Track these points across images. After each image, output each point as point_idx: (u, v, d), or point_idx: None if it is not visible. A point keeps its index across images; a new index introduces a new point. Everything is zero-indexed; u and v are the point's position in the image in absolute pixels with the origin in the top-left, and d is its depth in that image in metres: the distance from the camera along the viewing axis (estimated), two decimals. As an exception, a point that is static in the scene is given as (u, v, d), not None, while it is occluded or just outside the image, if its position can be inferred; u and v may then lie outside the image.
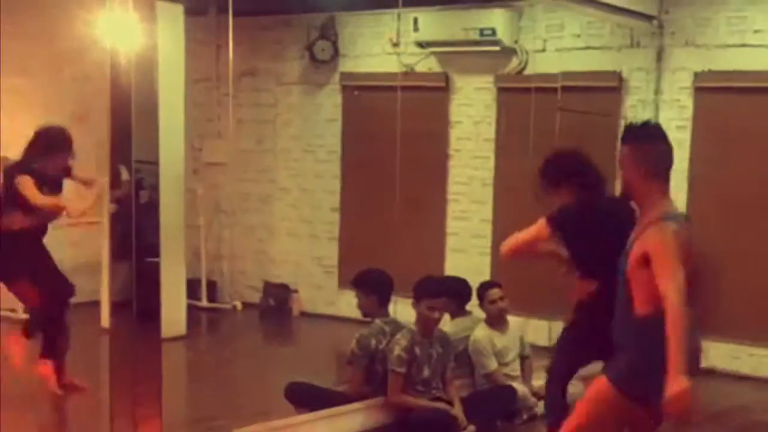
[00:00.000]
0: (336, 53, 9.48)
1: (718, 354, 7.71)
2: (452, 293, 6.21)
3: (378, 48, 9.29)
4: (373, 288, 5.87)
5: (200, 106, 9.94)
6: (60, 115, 9.27)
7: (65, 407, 6.17)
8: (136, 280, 4.58)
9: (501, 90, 8.66)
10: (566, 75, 8.14)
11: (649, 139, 3.78)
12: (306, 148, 9.83)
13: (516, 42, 8.51)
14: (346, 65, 9.52)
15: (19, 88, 9.02)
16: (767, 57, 7.50)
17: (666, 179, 3.75)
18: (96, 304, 8.36)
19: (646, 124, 3.92)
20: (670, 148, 3.82)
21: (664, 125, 7.82)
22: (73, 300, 9.30)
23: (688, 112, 7.84)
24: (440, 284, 6.05)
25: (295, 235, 9.96)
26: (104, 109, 7.99)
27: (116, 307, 4.82)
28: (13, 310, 8.70)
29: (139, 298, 4.56)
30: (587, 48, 8.25)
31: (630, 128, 3.89)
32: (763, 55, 7.52)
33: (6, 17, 8.78)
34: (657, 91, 7.92)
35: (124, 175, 4.79)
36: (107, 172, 6.79)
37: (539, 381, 5.99)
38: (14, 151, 8.98)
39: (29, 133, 9.04)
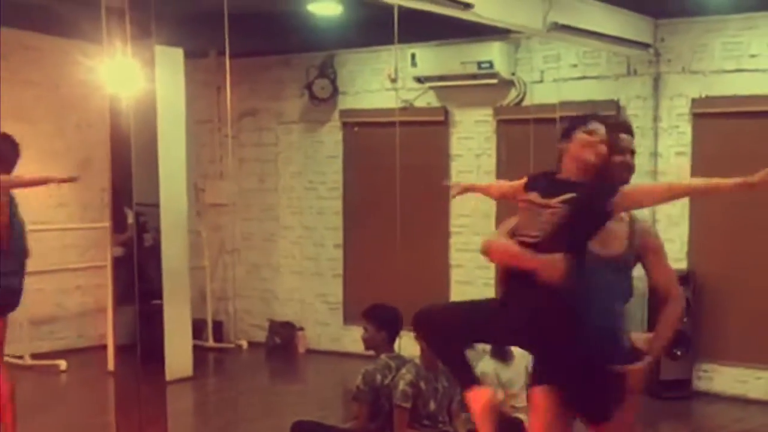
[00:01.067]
0: (335, 91, 9.54)
1: (724, 378, 7.68)
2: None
3: (377, 84, 9.36)
4: (385, 323, 5.83)
5: (203, 147, 10.02)
6: (65, 162, 9.39)
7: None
8: (140, 323, 4.57)
9: (500, 122, 8.71)
10: (564, 105, 8.16)
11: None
12: (308, 185, 9.88)
13: (513, 74, 8.57)
14: (346, 102, 9.59)
15: (22, 135, 9.05)
16: (764, 81, 7.54)
17: None
18: (103, 348, 8.46)
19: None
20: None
21: (664, 152, 7.99)
22: (81, 344, 9.42)
23: (687, 138, 7.87)
24: None
25: (300, 272, 9.98)
26: (107, 154, 8.10)
27: (121, 350, 4.80)
28: (19, 357, 8.73)
29: (144, 341, 4.54)
30: (584, 77, 8.32)
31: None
32: (759, 79, 7.56)
33: (9, 65, 8.89)
34: (655, 119, 7.97)
35: (130, 218, 4.80)
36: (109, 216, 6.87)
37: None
38: (21, 198, 9.08)
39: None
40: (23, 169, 8.96)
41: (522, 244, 3.58)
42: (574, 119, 3.82)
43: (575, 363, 3.60)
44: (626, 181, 3.76)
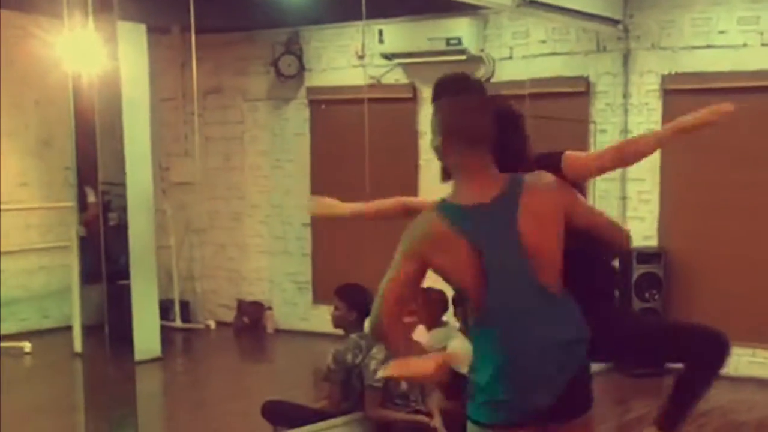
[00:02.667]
0: (302, 68, 9.47)
1: (739, 360, 7.71)
2: (427, 303, 6.18)
3: (344, 61, 9.29)
4: (356, 303, 5.78)
5: (167, 125, 9.89)
6: (25, 140, 9.25)
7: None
8: (107, 303, 4.51)
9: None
10: (534, 82, 8.16)
11: None
12: (275, 163, 9.81)
13: (482, 50, 8.53)
14: (313, 79, 9.51)
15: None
16: (733, 58, 7.57)
17: None
18: (68, 329, 8.36)
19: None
20: None
21: (634, 129, 7.99)
22: (45, 325, 9.32)
23: (657, 115, 7.88)
24: None
25: (268, 252, 9.93)
26: (68, 132, 7.99)
27: (88, 331, 4.74)
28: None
29: (111, 322, 4.49)
30: (554, 54, 8.30)
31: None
32: (728, 55, 7.59)
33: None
34: (625, 95, 7.98)
35: (91, 197, 4.73)
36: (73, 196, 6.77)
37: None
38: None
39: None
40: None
41: None
42: None
43: None
44: None
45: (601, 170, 3.54)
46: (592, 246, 3.26)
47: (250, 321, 9.74)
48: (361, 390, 5.59)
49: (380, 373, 3.36)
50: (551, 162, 3.34)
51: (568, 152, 3.37)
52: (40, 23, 7.02)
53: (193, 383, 8.03)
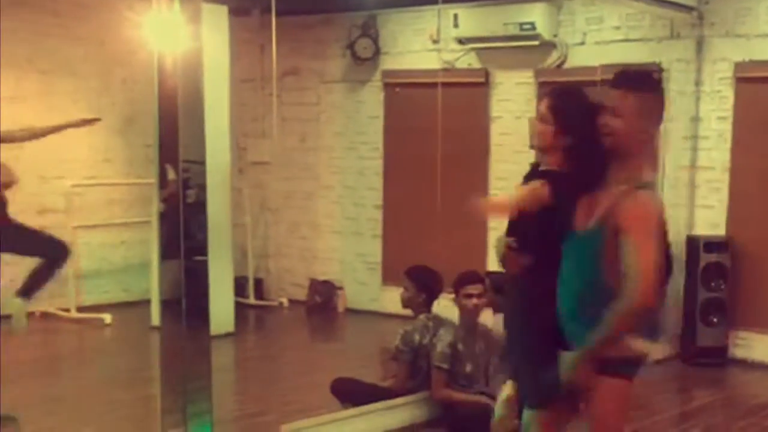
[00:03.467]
0: (377, 51, 9.57)
1: (762, 346, 7.69)
2: (494, 287, 6.25)
3: (418, 45, 9.36)
4: (426, 285, 5.89)
5: (245, 105, 10.07)
6: (111, 118, 9.52)
7: (120, 401, 6.33)
8: (185, 279, 4.65)
9: (541, 84, 8.68)
10: (606, 68, 8.12)
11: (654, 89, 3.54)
12: (349, 145, 9.93)
13: (555, 36, 8.53)
14: (388, 62, 9.61)
15: (69, 90, 9.24)
16: (808, 46, 7.49)
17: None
18: (147, 302, 8.60)
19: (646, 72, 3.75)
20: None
21: (705, 117, 7.93)
22: (125, 299, 9.57)
23: (729, 103, 7.81)
24: (477, 274, 5.96)
25: (339, 232, 10.07)
26: (151, 111, 8.20)
27: (166, 305, 4.89)
28: (66, 310, 8.93)
29: (189, 297, 4.62)
30: (627, 40, 8.26)
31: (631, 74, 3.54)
32: (804, 44, 7.49)
33: (56, 20, 9.02)
34: (697, 82, 7.91)
35: (171, 174, 4.85)
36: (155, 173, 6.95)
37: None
38: (69, 153, 9.25)
39: (83, 134, 9.31)
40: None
41: None
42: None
43: None
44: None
45: None
46: None
47: (322, 300, 9.87)
48: (427, 370, 5.69)
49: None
50: None
51: None
52: (130, 5, 7.23)
53: (265, 359, 8.12)
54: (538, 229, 3.58)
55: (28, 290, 6.11)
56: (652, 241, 3.24)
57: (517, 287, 3.81)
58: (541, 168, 3.76)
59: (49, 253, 6.18)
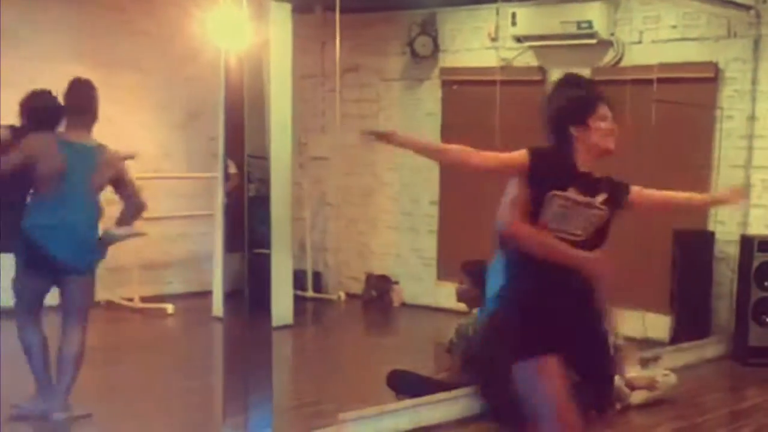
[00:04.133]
0: (436, 48, 9.66)
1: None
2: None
3: (477, 43, 9.44)
4: (481, 280, 5.92)
5: (306, 101, 10.19)
6: (174, 113, 9.73)
7: (183, 389, 6.48)
8: (247, 271, 4.73)
9: (597, 83, 8.69)
10: (662, 66, 8.17)
11: None
12: (406, 142, 10.00)
13: (612, 34, 8.56)
14: (446, 60, 9.69)
15: (134, 85, 9.45)
16: None
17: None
18: (208, 293, 8.77)
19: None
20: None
21: (761, 116, 7.92)
22: (186, 289, 9.77)
23: (786, 102, 7.80)
24: None
25: (396, 227, 10.19)
26: (214, 106, 8.38)
27: (228, 297, 5.00)
28: (130, 300, 9.17)
29: (251, 288, 4.69)
30: (683, 39, 8.26)
31: None
32: None
33: (122, 16, 9.23)
34: (754, 82, 7.89)
35: (232, 168, 4.94)
36: (220, 167, 7.10)
37: (632, 371, 6.11)
38: (134, 146, 9.45)
39: (145, 129, 9.54)
40: (135, 117, 9.40)
41: (562, 240, 3.63)
42: (580, 101, 3.76)
43: None
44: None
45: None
46: None
47: (378, 294, 9.99)
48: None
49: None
50: (619, 187, 3.83)
51: (634, 187, 3.87)
52: (196, 1, 7.36)
53: (322, 350, 8.26)
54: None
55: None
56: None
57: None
58: (585, 171, 3.75)
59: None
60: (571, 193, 3.63)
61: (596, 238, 3.70)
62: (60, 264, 5.46)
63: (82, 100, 5.68)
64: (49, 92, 5.70)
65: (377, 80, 10.22)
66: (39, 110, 5.62)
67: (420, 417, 5.63)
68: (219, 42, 4.87)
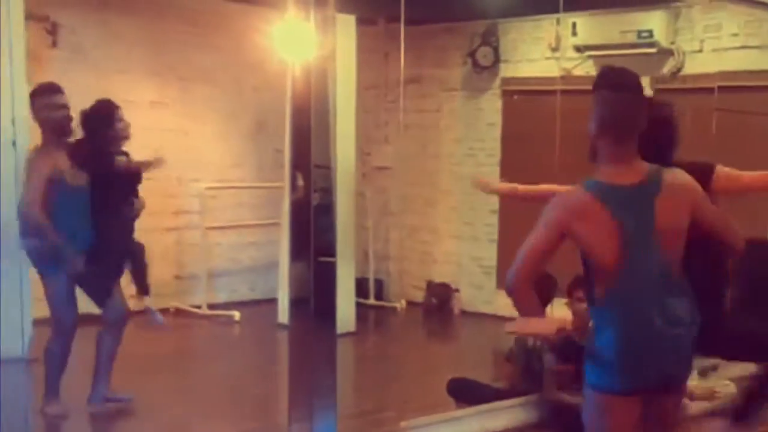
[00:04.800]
0: (497, 59, 9.72)
1: None
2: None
3: (537, 53, 9.50)
4: (540, 290, 6.03)
5: (369, 112, 10.32)
6: (242, 123, 9.95)
7: (248, 396, 6.63)
8: (313, 279, 4.61)
9: (657, 91, 8.71)
10: (723, 75, 8.14)
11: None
12: (467, 152, 10.10)
13: (673, 43, 8.55)
14: (507, 70, 9.75)
15: (206, 97, 9.69)
16: None
17: None
18: (273, 301, 8.92)
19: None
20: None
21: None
22: (252, 297, 9.95)
23: None
24: None
25: (457, 236, 10.26)
26: (280, 117, 8.56)
27: (294, 304, 5.09)
28: (197, 307, 9.37)
29: (316, 296, 4.61)
30: (745, 47, 8.20)
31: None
32: None
33: (195, 29, 9.48)
34: (817, 90, 7.86)
35: (299, 179, 5.00)
36: (286, 177, 7.24)
37: (693, 381, 6.12)
38: (204, 156, 9.67)
39: (217, 139, 9.77)
40: (207, 128, 9.64)
41: None
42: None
43: None
44: None
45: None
46: (711, 245, 3.52)
47: (439, 302, 10.07)
48: (539, 372, 5.84)
49: (506, 328, 3.69)
50: (700, 170, 3.70)
51: (720, 167, 3.79)
52: (264, 15, 7.53)
53: (384, 358, 8.35)
54: None
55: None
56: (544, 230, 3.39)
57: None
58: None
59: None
60: None
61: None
62: None
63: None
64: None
65: (439, 91, 10.31)
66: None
67: (480, 425, 5.67)
68: (286, 54, 4.94)
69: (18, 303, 6.99)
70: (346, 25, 8.50)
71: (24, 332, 6.99)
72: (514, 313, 6.20)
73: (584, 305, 5.67)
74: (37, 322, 6.82)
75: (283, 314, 8.21)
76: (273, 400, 6.32)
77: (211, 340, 8.82)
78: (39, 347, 6.11)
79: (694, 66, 8.50)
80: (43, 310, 5.96)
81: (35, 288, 6.29)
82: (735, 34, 8.30)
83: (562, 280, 6.04)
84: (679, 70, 8.61)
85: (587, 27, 8.84)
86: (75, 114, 5.87)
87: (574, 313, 5.82)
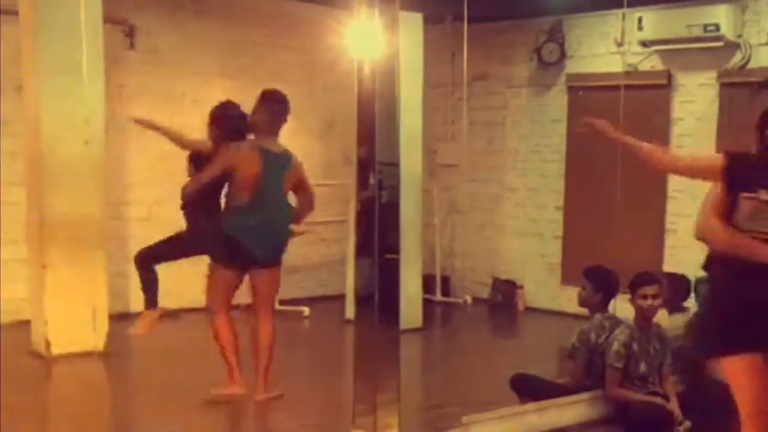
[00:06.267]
0: (563, 55, 9.76)
1: None
2: (670, 288, 6.36)
3: (603, 48, 9.50)
4: (602, 285, 6.00)
5: (436, 110, 10.42)
6: (312, 122, 10.08)
7: (315, 390, 6.76)
8: (378, 276, 4.68)
9: (723, 85, 8.66)
10: (791, 68, 8.09)
11: None
12: (533, 148, 10.15)
13: (739, 36, 8.51)
14: (573, 66, 9.78)
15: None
16: None
17: None
18: (341, 297, 9.06)
19: None
20: None
21: None
22: (321, 293, 10.08)
23: None
24: (653, 275, 6.06)
25: (522, 233, 10.31)
26: (349, 116, 8.67)
27: (360, 300, 5.18)
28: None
29: (381, 293, 4.67)
30: (811, 39, 8.13)
31: None
32: None
33: (266, 31, 9.66)
34: None
35: (370, 179, 5.06)
36: (353, 175, 7.34)
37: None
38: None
39: (288, 137, 9.90)
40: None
41: (756, 239, 3.82)
42: None
43: None
44: None
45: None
46: None
47: (503, 298, 10.14)
48: (602, 368, 5.81)
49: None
50: None
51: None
52: (333, 15, 7.65)
53: (449, 353, 8.43)
54: None
55: None
56: None
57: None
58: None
59: None
60: (763, 194, 3.81)
61: None
62: (257, 260, 6.06)
63: (273, 109, 6.18)
64: (235, 103, 6.26)
65: (504, 88, 10.36)
66: (230, 119, 6.14)
67: (543, 421, 5.69)
68: (353, 53, 5.02)
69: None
70: (413, 23, 8.58)
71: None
72: (578, 309, 6.27)
73: (647, 302, 5.76)
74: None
75: (351, 310, 8.32)
76: (339, 395, 6.41)
77: (281, 335, 8.88)
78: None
79: (761, 59, 8.43)
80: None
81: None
82: (802, 27, 8.22)
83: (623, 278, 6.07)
84: (746, 63, 8.55)
85: (653, 21, 8.83)
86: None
87: (637, 309, 5.85)
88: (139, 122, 6.48)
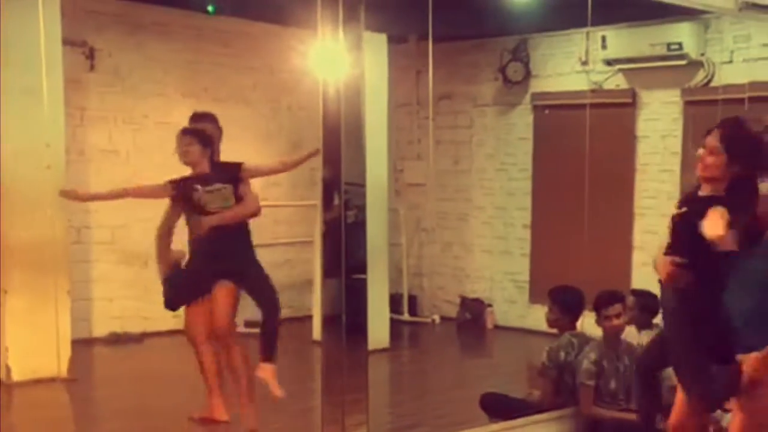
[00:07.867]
0: (528, 74, 9.78)
1: None
2: (638, 305, 6.38)
3: (567, 67, 9.54)
4: (569, 306, 6.07)
5: (401, 129, 10.42)
6: (278, 143, 10.03)
7: (282, 412, 6.65)
8: (345, 296, 4.65)
9: (687, 103, 8.73)
10: (754, 85, 8.13)
11: None
12: (499, 167, 10.17)
13: (702, 54, 8.56)
14: (538, 85, 9.81)
15: (241, 117, 9.76)
16: None
17: None
18: (309, 318, 8.97)
19: None
20: None
21: None
22: (288, 314, 9.99)
23: None
24: (615, 294, 6.05)
25: (490, 251, 10.31)
26: (316, 136, 8.62)
27: (327, 321, 5.15)
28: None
29: (348, 313, 4.65)
30: (775, 57, 8.20)
31: None
32: None
33: (228, 50, 9.61)
34: (843, 101, 7.82)
35: (336, 200, 5.04)
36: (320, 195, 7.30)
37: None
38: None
39: (253, 159, 9.85)
40: (244, 149, 9.72)
41: None
42: None
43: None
44: None
45: None
46: None
47: (472, 317, 10.11)
48: (572, 386, 5.84)
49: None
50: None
51: None
52: (296, 35, 7.61)
53: (418, 373, 8.41)
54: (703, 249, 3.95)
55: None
56: None
57: (683, 301, 4.18)
58: (701, 194, 4.15)
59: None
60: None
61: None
62: None
63: None
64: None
65: (470, 107, 10.38)
66: None
67: (513, 439, 5.69)
68: (318, 73, 5.00)
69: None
70: (378, 43, 8.58)
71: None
72: (547, 327, 6.27)
73: (612, 322, 5.76)
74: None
75: (318, 331, 8.24)
76: (307, 416, 6.36)
77: (248, 357, 8.86)
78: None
79: (724, 77, 8.48)
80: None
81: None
82: (765, 44, 8.30)
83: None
84: (709, 81, 8.61)
85: (617, 40, 8.90)
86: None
87: (603, 328, 5.85)
88: (65, 195, 6.45)
